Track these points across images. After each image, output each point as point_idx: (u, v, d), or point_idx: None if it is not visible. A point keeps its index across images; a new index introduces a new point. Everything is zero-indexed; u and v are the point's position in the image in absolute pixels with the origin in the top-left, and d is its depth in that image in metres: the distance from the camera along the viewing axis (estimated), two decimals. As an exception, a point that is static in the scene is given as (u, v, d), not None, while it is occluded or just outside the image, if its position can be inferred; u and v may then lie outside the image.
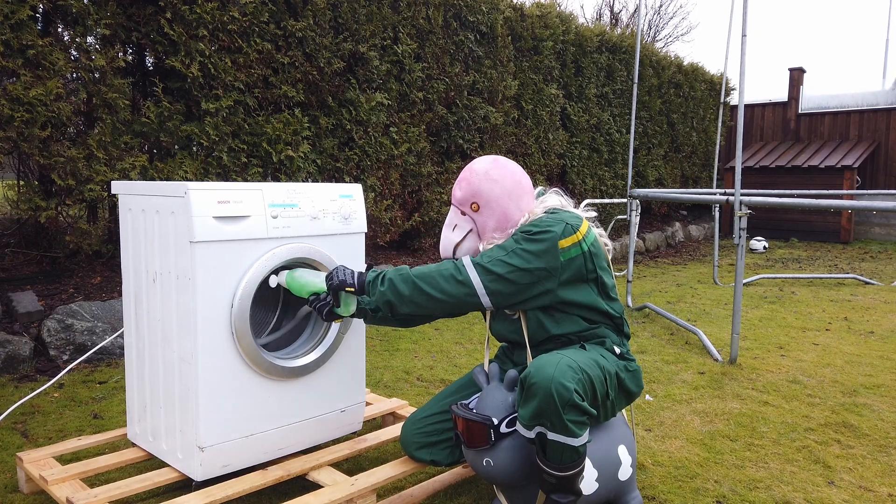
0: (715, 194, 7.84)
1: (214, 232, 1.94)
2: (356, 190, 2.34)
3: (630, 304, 5.35)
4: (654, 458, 2.47)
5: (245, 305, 2.00)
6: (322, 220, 2.21)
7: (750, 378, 3.46)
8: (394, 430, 2.40)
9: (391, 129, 5.61)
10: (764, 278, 6.80)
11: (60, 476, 2.00)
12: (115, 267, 4.33)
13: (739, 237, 3.72)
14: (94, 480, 2.17)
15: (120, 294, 4.00)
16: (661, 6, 21.13)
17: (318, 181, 5.06)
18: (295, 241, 2.13)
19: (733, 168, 10.67)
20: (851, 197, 9.38)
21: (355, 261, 2.32)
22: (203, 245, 1.93)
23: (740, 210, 3.73)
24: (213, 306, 1.96)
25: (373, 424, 2.66)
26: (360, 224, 2.33)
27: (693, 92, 10.19)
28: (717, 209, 6.98)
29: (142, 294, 2.17)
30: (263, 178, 4.67)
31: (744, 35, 3.71)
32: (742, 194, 4.26)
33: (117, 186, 2.23)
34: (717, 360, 3.77)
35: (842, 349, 4.07)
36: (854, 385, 3.35)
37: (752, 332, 4.48)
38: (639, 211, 5.44)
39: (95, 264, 4.33)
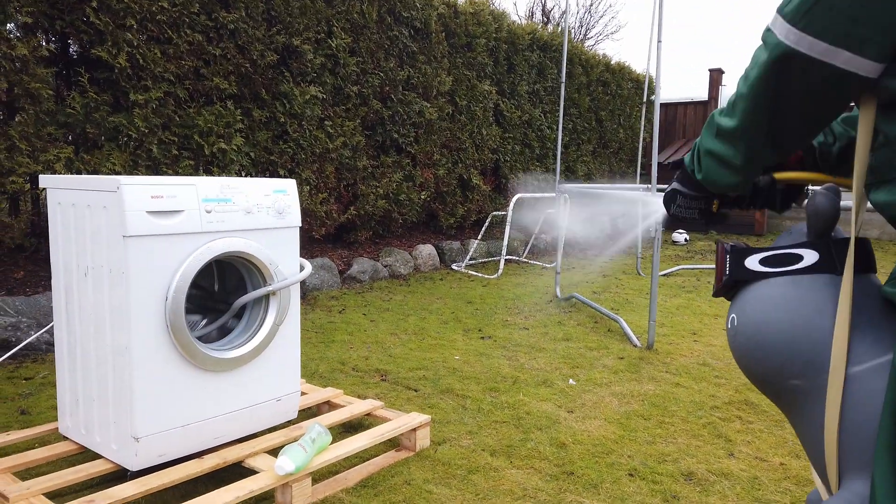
0: (638, 189, 8.19)
1: (148, 226, 1.97)
2: (290, 185, 2.41)
3: (559, 294, 5.57)
4: (575, 438, 2.65)
5: (180, 299, 2.05)
6: (256, 215, 2.26)
7: (664, 362, 3.71)
8: (328, 418, 2.48)
9: (326, 122, 5.63)
10: (683, 269, 7.18)
11: (-10, 471, 2.00)
12: (39, 261, 4.21)
13: (656, 230, 3.96)
14: (25, 474, 2.17)
15: (45, 289, 3.91)
16: (591, 4, 21.72)
17: (251, 174, 5.05)
18: (229, 235, 2.19)
19: (658, 163, 11.14)
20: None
21: (290, 254, 2.39)
22: (136, 239, 1.96)
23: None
24: (147, 300, 2.00)
25: (308, 413, 2.74)
26: (295, 218, 2.39)
27: (620, 90, 10.57)
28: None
29: (73, 288, 2.18)
30: (195, 172, 4.63)
31: (659, 41, 3.95)
32: (658, 189, 4.52)
33: (46, 180, 2.22)
34: (635, 345, 4.02)
35: (749, 334, 4.38)
36: (757, 366, 3.64)
37: (669, 320, 4.77)
38: (569, 205, 5.66)
39: (18, 258, 4.20)
